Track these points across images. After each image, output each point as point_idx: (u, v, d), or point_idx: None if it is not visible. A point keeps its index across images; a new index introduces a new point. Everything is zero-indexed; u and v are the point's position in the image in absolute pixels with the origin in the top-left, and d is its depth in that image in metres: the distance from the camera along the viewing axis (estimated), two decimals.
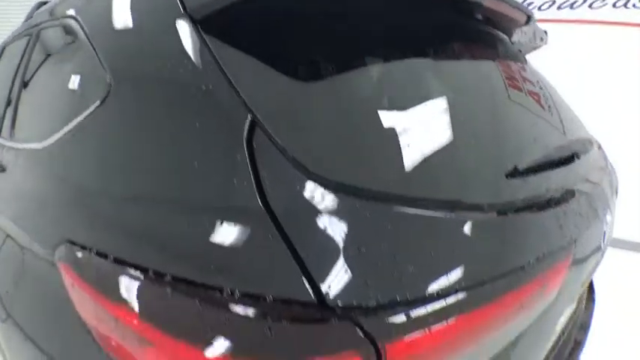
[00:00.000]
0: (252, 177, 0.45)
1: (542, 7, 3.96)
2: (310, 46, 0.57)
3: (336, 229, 0.45)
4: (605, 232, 0.90)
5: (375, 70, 0.61)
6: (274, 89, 0.51)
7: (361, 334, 0.40)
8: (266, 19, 0.56)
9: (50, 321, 0.61)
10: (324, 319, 0.40)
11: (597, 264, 0.95)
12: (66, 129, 0.71)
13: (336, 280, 0.42)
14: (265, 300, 0.41)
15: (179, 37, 0.54)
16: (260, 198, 0.45)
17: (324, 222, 0.45)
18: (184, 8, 0.55)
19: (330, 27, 0.61)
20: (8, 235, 0.78)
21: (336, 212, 0.46)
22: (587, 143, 0.91)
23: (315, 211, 0.45)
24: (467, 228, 0.54)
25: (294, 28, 0.58)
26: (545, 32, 1.15)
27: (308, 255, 0.43)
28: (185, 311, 0.41)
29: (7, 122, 1.10)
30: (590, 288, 1.50)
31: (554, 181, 0.73)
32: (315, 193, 0.46)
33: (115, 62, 0.64)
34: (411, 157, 0.54)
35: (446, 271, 0.49)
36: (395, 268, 0.45)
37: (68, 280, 0.55)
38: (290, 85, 0.52)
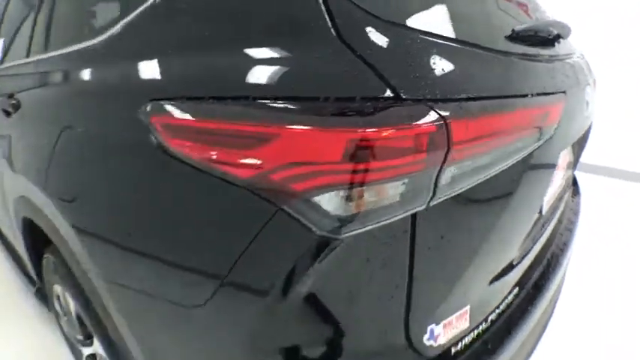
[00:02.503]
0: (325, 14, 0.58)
1: None
2: None
3: (403, 51, 0.58)
4: (588, 103, 1.07)
5: None
6: None
7: (434, 112, 0.55)
8: None
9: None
10: (401, 104, 0.53)
11: (583, 131, 1.12)
12: (110, 31, 0.84)
13: (410, 80, 0.56)
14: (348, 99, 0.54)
15: None
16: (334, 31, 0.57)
17: (393, 43, 0.58)
18: None
19: None
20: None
21: (395, 41, 0.59)
22: (567, 29, 1.06)
23: (384, 39, 0.58)
24: (491, 61, 0.70)
25: None
26: None
27: (377, 62, 0.55)
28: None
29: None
30: (575, 184, 1.71)
31: (543, 50, 0.89)
32: (378, 27, 0.59)
33: None
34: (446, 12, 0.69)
35: (484, 86, 0.64)
36: (447, 79, 0.60)
37: (163, 124, 0.67)
38: None
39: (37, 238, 1.26)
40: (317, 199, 0.54)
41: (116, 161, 0.79)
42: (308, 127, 0.53)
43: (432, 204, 0.59)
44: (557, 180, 1.12)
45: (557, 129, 0.86)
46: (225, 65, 0.63)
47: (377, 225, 0.56)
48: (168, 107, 0.66)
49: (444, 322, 0.72)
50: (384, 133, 0.52)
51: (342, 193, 0.54)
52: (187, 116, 0.63)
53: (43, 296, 1.52)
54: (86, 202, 0.88)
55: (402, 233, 0.60)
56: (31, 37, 1.30)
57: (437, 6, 0.69)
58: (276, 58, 0.60)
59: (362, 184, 0.53)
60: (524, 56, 0.81)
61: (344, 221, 0.54)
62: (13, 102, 1.25)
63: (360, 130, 0.52)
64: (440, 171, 0.56)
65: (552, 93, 0.83)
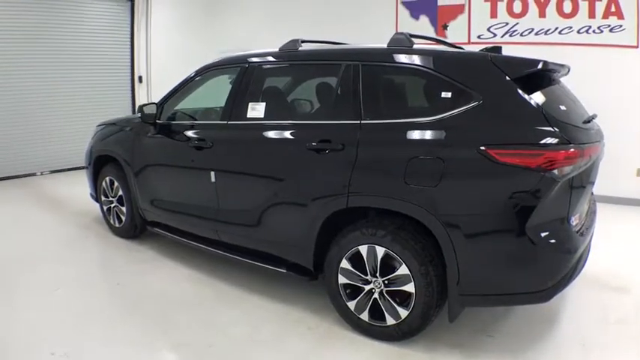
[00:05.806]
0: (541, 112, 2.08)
1: (524, 33, 5.76)
2: None
3: (566, 127, 2.09)
4: (602, 147, 2.59)
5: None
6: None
7: (580, 147, 2.05)
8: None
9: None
10: (569, 144, 2.02)
11: (601, 159, 2.64)
12: (449, 113, 2.26)
13: (570, 135, 2.05)
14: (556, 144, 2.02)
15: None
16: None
17: (564, 125, 2.09)
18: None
19: None
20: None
21: (564, 125, 2.10)
22: (595, 115, 2.62)
23: (561, 124, 2.09)
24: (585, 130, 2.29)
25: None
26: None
27: (562, 131, 2.04)
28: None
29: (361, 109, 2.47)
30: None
31: (590, 125, 2.45)
32: (559, 122, 2.09)
33: (475, 84, 2.21)
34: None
35: (584, 138, 2.19)
36: (577, 136, 2.11)
37: (497, 152, 2.03)
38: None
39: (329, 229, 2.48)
40: (555, 171, 2.00)
41: (464, 171, 2.17)
42: (550, 151, 2.01)
43: (575, 173, 2.08)
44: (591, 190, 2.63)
45: (596, 160, 2.39)
46: (515, 132, 2.11)
47: (565, 178, 2.04)
48: (497, 147, 2.07)
49: (574, 216, 2.21)
50: (569, 152, 2.01)
51: (558, 170, 2.00)
52: (509, 149, 2.06)
53: (301, 270, 2.65)
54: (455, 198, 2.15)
55: (569, 183, 2.08)
56: (358, 109, 2.41)
57: (570, 116, 2.24)
58: (526, 129, 2.08)
59: (561, 167, 2.01)
60: (589, 129, 2.35)
61: (560, 176, 2.01)
62: (328, 142, 2.43)
63: (562, 152, 2.01)
64: (579, 163, 2.06)
65: (597, 141, 2.37)
